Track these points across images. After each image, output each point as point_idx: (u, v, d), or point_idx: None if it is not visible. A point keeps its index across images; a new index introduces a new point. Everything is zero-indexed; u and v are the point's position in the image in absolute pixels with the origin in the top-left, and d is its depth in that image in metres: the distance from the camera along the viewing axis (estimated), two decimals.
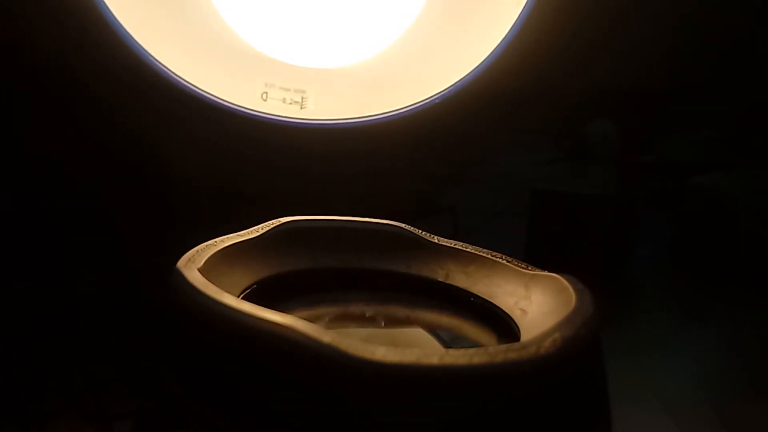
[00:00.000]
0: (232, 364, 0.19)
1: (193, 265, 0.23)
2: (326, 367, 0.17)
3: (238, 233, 0.28)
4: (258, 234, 0.28)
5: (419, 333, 0.27)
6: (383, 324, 0.27)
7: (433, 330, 0.27)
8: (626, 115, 1.14)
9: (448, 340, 0.26)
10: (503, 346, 0.18)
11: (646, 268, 0.96)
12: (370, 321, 0.27)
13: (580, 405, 0.20)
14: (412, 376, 0.17)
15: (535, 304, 0.26)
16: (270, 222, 0.29)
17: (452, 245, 0.29)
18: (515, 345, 0.18)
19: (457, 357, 0.17)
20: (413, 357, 0.17)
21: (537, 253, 0.90)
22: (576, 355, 0.19)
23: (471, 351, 0.18)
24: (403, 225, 0.30)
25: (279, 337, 0.18)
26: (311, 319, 0.26)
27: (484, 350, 0.18)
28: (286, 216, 0.30)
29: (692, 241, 0.97)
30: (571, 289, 0.23)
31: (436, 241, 0.30)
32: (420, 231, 0.30)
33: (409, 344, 0.26)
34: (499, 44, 0.40)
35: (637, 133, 1.17)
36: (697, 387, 0.65)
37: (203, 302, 0.20)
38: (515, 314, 0.26)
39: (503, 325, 0.26)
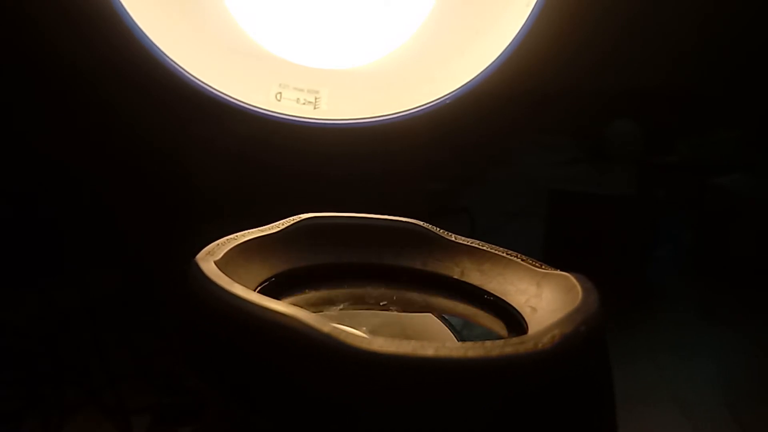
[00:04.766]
0: (236, 351, 0.20)
1: (210, 257, 0.23)
2: (324, 356, 0.17)
3: (259, 228, 0.28)
4: (278, 229, 0.28)
5: (430, 319, 0.27)
6: (396, 311, 0.27)
7: (444, 317, 0.27)
8: (647, 116, 1.13)
9: (459, 327, 0.26)
10: (501, 341, 0.18)
11: (665, 269, 0.95)
12: (383, 308, 0.27)
13: (580, 404, 0.20)
14: (406, 367, 0.17)
15: (544, 301, 0.26)
16: (291, 218, 0.29)
17: (468, 243, 0.29)
18: (513, 340, 0.18)
19: (453, 350, 0.17)
20: (408, 348, 0.17)
21: (555, 254, 0.89)
22: (575, 352, 0.19)
23: (467, 344, 0.18)
24: (420, 222, 0.30)
25: (280, 325, 0.18)
26: (325, 304, 0.27)
27: (481, 344, 0.18)
28: (301, 215, 0.30)
29: (712, 242, 0.96)
30: (578, 288, 0.23)
31: (452, 239, 0.29)
32: (437, 228, 0.30)
33: (419, 331, 0.27)
34: (510, 44, 0.40)
35: (659, 134, 1.15)
36: (715, 389, 0.64)
37: (214, 291, 0.20)
38: (525, 312, 0.26)
39: (513, 322, 0.26)
